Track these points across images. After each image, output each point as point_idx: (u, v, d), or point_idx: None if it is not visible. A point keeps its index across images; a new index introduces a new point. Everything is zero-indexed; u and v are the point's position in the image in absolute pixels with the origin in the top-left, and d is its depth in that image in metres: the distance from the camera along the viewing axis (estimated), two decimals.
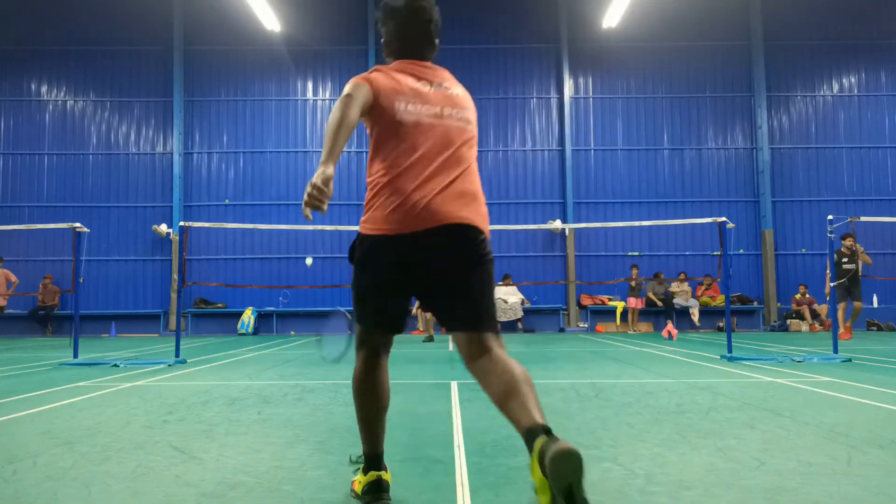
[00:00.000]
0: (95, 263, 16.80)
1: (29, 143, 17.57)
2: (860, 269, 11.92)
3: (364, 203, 2.38)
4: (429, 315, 12.96)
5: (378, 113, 2.35)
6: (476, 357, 2.31)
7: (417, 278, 2.31)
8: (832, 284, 8.79)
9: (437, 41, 2.56)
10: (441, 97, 2.44)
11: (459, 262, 2.30)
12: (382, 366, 2.41)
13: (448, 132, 2.38)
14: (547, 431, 1.94)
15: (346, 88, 2.32)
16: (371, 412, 2.39)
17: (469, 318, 2.30)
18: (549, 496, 1.80)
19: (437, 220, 2.25)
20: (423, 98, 2.40)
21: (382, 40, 2.64)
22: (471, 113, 2.52)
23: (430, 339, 12.50)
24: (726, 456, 3.03)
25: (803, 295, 16.60)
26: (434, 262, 2.28)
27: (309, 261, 8.92)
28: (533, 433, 1.96)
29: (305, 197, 2.12)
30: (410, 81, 2.43)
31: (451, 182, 2.31)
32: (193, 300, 17.13)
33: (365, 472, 2.36)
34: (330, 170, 2.15)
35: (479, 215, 2.35)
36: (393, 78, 2.41)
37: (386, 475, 2.35)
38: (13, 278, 14.42)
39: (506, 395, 2.15)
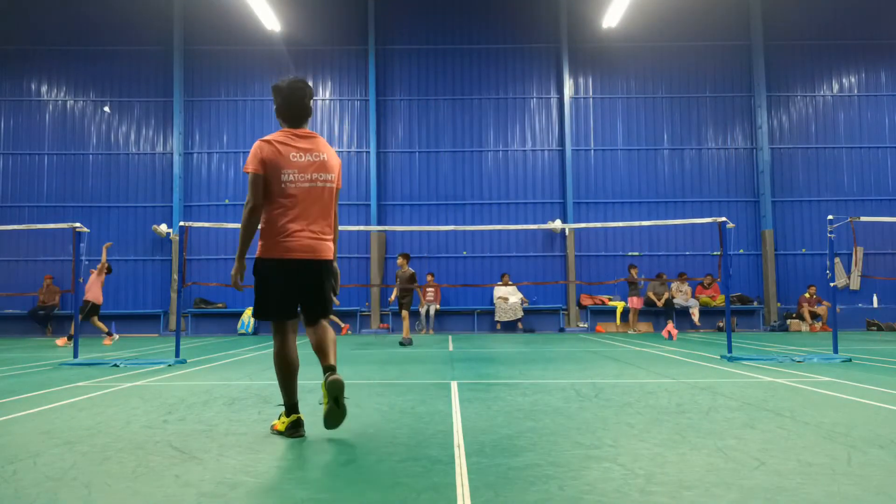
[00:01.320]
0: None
1: (29, 143, 17.57)
2: None
3: (261, 235, 3.64)
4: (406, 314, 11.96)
5: (270, 180, 3.59)
6: (312, 325, 3.72)
7: (296, 287, 3.62)
8: None
9: (310, 111, 3.78)
10: (313, 165, 3.64)
11: (318, 281, 3.65)
12: (293, 343, 3.68)
13: (317, 193, 3.64)
14: (333, 369, 3.51)
15: (249, 191, 3.59)
16: (289, 374, 3.62)
17: (319, 312, 3.69)
18: (327, 401, 3.43)
19: (310, 255, 3.59)
20: (300, 168, 3.61)
21: (275, 108, 3.80)
22: (334, 173, 3.73)
23: (409, 341, 11.58)
24: (726, 456, 3.03)
25: (812, 295, 16.48)
26: (305, 280, 3.62)
27: None
28: (326, 369, 3.51)
29: (232, 282, 3.72)
30: (292, 154, 3.62)
31: (319, 231, 3.64)
32: (193, 300, 17.14)
33: (287, 415, 3.60)
34: (244, 264, 3.69)
35: (331, 251, 3.72)
36: (279, 152, 3.60)
37: (301, 416, 3.61)
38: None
39: (318, 345, 3.64)
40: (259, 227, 3.64)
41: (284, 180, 3.56)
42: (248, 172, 3.61)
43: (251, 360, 8.57)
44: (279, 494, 2.49)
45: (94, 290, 12.56)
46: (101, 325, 12.75)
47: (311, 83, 17.78)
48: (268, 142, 3.62)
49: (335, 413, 3.43)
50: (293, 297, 3.64)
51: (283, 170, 3.56)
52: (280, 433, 3.59)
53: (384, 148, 17.65)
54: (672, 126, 17.73)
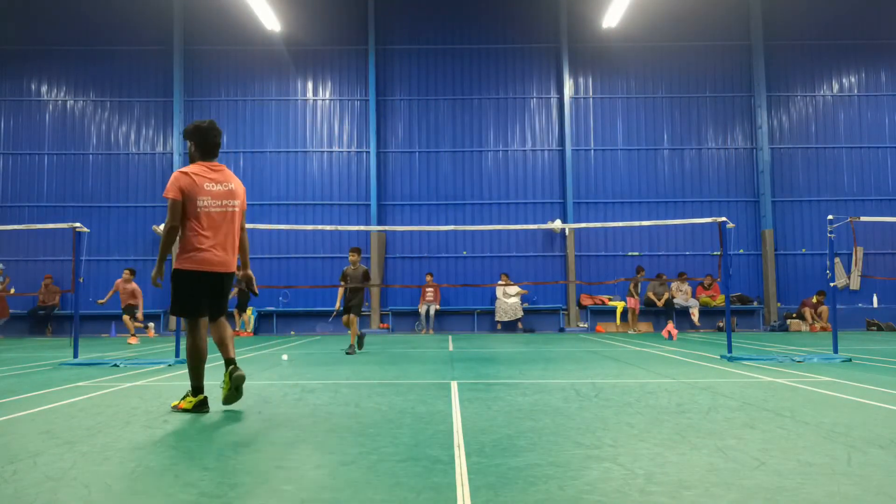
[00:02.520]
0: (95, 263, 16.80)
1: (29, 143, 17.56)
2: None
3: (179, 249, 4.41)
4: (352, 318, 9.96)
5: (187, 205, 4.36)
6: (214, 321, 4.61)
7: (208, 292, 4.47)
8: None
9: (220, 147, 4.59)
10: (223, 193, 4.47)
11: (225, 288, 4.59)
12: (204, 336, 4.52)
13: (227, 216, 4.48)
14: (234, 363, 4.45)
15: (168, 214, 4.37)
16: (200, 362, 4.46)
17: (222, 311, 4.64)
18: (228, 388, 4.38)
19: (219, 268, 4.46)
20: (213, 195, 4.42)
21: (190, 144, 4.57)
22: (240, 198, 4.59)
23: (354, 348, 9.80)
24: (726, 456, 3.03)
25: (819, 302, 16.38)
26: (215, 286, 4.50)
27: (285, 357, 8.99)
28: (229, 362, 4.46)
29: (152, 281, 4.62)
30: (206, 184, 4.40)
31: (227, 248, 4.49)
32: None
33: (194, 395, 4.41)
34: (163, 268, 4.58)
35: (234, 265, 4.57)
36: (195, 182, 4.38)
37: (206, 396, 4.44)
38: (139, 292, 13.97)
39: (220, 340, 4.59)
40: (181, 244, 4.43)
41: (200, 205, 4.36)
42: (167, 198, 4.33)
43: (250, 361, 8.57)
44: (279, 494, 2.49)
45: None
46: (130, 324, 13.64)
47: (311, 83, 17.86)
48: (185, 173, 4.39)
49: (234, 396, 4.41)
50: (205, 299, 4.47)
51: (199, 197, 4.36)
52: (186, 410, 4.36)
53: (384, 148, 17.65)
54: (672, 126, 17.73)
